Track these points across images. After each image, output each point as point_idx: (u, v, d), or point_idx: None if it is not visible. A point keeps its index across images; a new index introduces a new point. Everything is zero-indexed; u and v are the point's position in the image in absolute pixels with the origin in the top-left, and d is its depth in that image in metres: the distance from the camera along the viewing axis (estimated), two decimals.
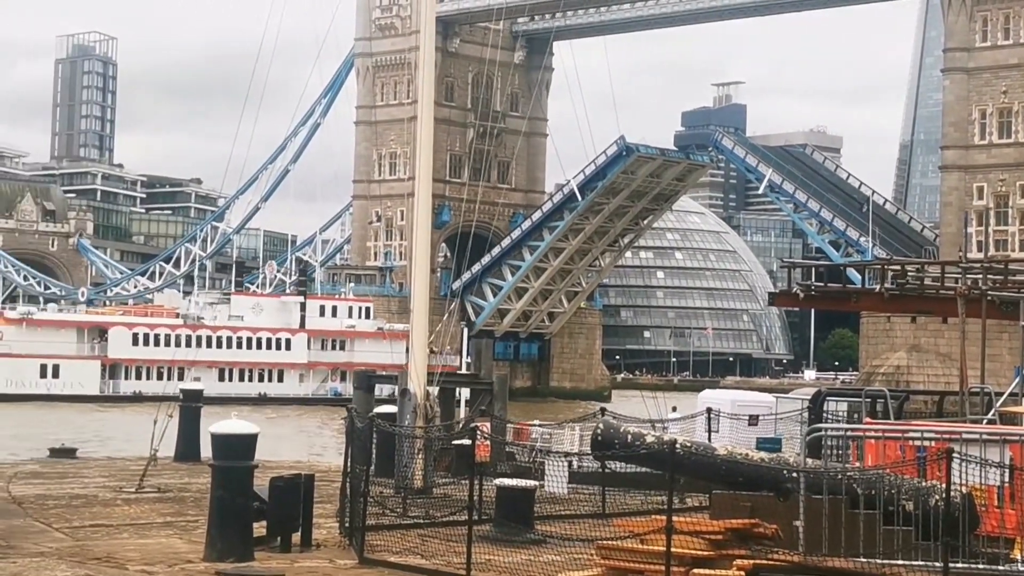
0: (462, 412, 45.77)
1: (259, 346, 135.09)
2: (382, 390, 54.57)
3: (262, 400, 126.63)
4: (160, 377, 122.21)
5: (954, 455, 22.12)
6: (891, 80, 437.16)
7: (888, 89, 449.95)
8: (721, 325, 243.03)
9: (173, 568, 22.18)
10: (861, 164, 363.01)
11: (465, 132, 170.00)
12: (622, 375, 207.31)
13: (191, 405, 40.68)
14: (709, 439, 40.06)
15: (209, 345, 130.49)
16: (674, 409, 54.01)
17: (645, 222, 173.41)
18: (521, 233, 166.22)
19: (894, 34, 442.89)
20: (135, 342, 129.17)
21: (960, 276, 39.87)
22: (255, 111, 52.08)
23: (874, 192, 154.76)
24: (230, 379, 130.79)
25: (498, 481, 25.74)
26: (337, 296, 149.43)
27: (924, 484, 23.47)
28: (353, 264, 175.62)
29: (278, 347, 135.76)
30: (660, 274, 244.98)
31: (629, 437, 24.22)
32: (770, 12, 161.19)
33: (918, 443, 25.37)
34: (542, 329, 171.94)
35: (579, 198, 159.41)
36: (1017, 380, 39.34)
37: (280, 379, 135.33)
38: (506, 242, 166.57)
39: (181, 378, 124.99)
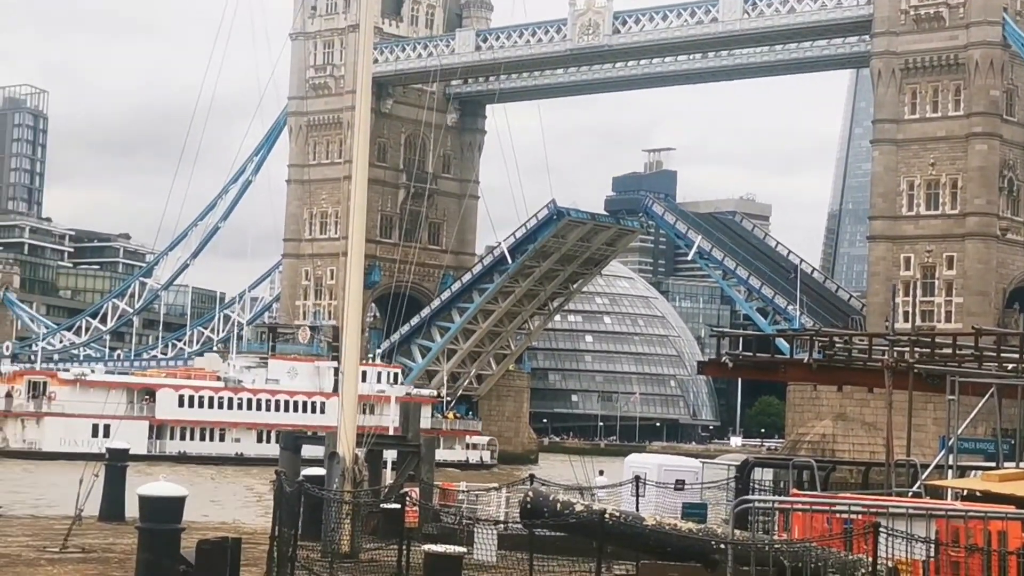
0: (389, 474, 45.60)
1: (295, 409, 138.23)
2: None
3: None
4: (203, 438, 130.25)
5: (881, 529, 22.28)
6: (820, 150, 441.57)
7: (817, 158, 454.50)
8: (648, 390, 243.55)
9: None
10: (790, 232, 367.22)
11: (397, 193, 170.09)
12: (549, 438, 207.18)
13: (116, 464, 40.31)
14: (637, 505, 40.15)
15: (249, 408, 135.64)
16: (601, 473, 54.08)
17: (575, 286, 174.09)
18: (451, 295, 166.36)
19: (824, 104, 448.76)
20: (181, 403, 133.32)
21: (887, 348, 40.24)
22: (185, 167, 51.97)
23: (802, 260, 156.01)
24: (267, 441, 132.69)
25: (426, 547, 25.65)
26: (366, 362, 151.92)
27: (851, 557, 23.64)
28: (281, 323, 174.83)
29: (313, 410, 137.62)
30: (589, 338, 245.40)
31: (559, 505, 24.25)
32: (701, 80, 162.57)
33: (845, 516, 25.54)
34: (470, 391, 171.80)
35: (509, 261, 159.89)
36: (943, 452, 39.70)
37: None
38: (436, 303, 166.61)
39: (223, 439, 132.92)
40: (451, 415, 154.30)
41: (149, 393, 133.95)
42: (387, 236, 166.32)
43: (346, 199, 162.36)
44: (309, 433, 52.36)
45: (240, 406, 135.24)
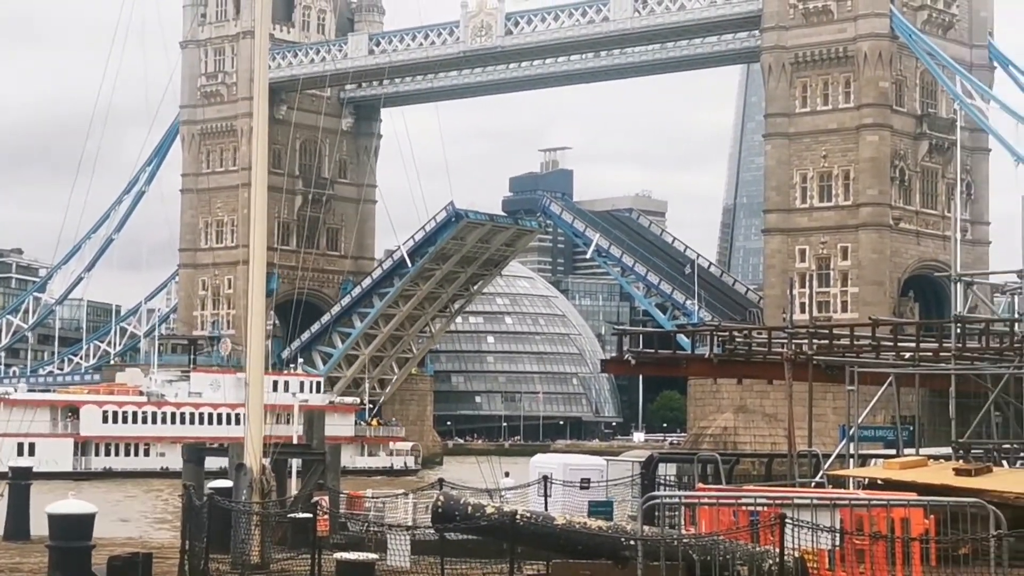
0: (294, 483, 45.50)
1: (220, 422, 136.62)
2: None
3: (223, 474, 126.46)
4: (128, 454, 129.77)
5: (786, 520, 22.63)
6: (714, 145, 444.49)
7: (711, 154, 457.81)
8: (551, 389, 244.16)
9: None
10: (686, 228, 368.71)
11: (293, 199, 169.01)
12: (454, 441, 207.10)
13: (20, 483, 39.91)
14: (545, 505, 40.38)
15: (173, 422, 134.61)
16: (507, 474, 54.23)
17: (475, 287, 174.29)
18: (351, 300, 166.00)
19: (716, 100, 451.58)
20: (105, 419, 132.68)
21: (787, 341, 40.78)
22: (77, 179, 51.54)
23: (699, 255, 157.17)
24: None
25: (338, 555, 25.69)
26: (287, 371, 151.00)
27: (758, 549, 23.96)
28: (179, 334, 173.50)
29: (237, 422, 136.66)
30: (490, 339, 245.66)
31: (469, 508, 24.39)
32: (595, 79, 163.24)
33: (751, 508, 25.90)
34: (373, 396, 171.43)
35: (409, 264, 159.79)
36: (844, 441, 40.29)
37: None
38: (336, 309, 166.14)
39: (147, 454, 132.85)
40: (375, 422, 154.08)
41: (73, 410, 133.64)
42: (285, 243, 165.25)
43: (242, 207, 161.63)
44: (216, 445, 51.89)
45: (164, 420, 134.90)
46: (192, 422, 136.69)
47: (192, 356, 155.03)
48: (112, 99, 50.42)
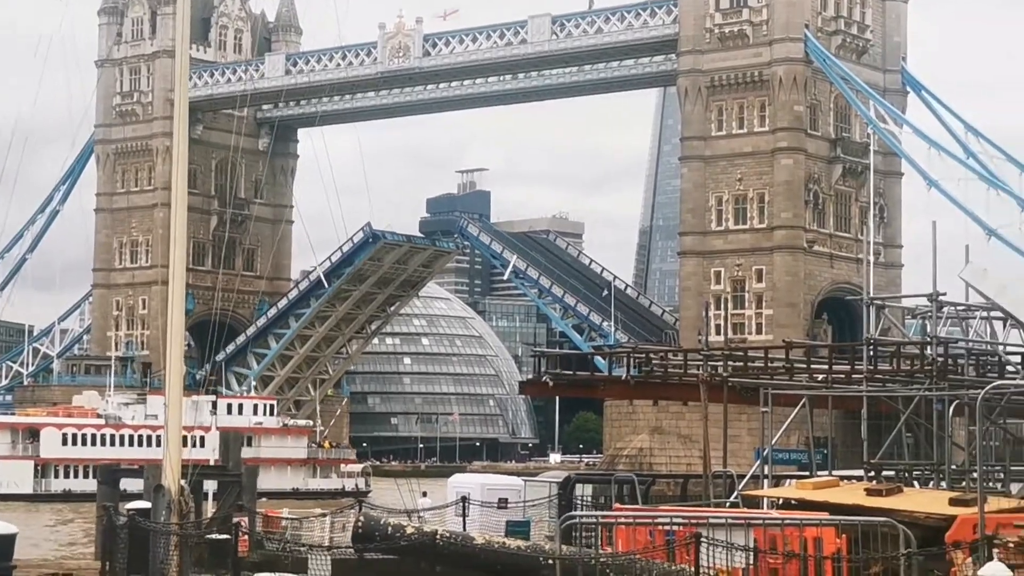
0: (210, 505, 45.35)
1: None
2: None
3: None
4: (88, 476, 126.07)
5: (702, 539, 22.96)
6: (630, 167, 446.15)
7: (627, 176, 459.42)
8: (468, 410, 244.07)
9: None
10: (603, 250, 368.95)
11: (209, 219, 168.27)
12: (371, 462, 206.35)
13: None
14: (464, 525, 40.55)
15: (131, 444, 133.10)
16: (424, 495, 54.38)
17: (392, 308, 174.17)
18: (267, 321, 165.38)
19: (633, 123, 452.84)
20: (64, 442, 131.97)
21: (702, 363, 41.21)
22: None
23: (615, 277, 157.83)
24: None
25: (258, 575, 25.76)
26: (242, 395, 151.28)
27: (674, 568, 24.28)
28: (93, 354, 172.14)
29: (194, 444, 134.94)
30: (407, 360, 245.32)
31: (390, 529, 24.53)
32: (513, 101, 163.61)
33: (667, 528, 26.21)
34: (291, 416, 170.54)
35: (326, 285, 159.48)
36: (758, 462, 40.77)
37: None
38: (251, 330, 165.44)
39: None
40: (327, 444, 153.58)
41: (33, 433, 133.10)
42: (200, 263, 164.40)
43: (157, 227, 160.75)
44: (136, 467, 51.61)
45: (123, 443, 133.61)
46: (150, 444, 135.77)
47: (148, 378, 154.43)
48: (24, 118, 50.17)
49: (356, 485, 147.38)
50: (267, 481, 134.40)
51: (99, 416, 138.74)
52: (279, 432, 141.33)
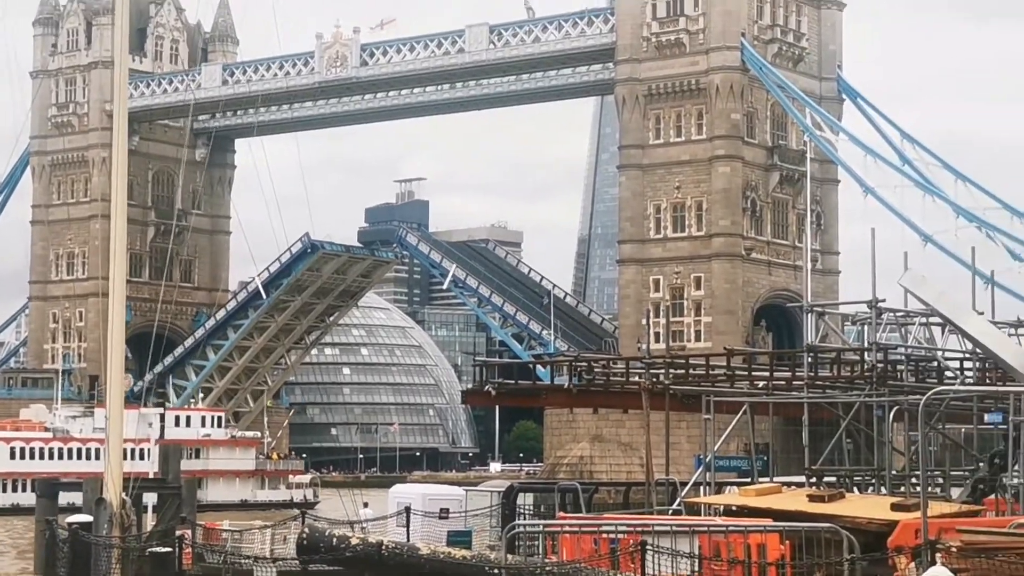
0: (150, 517, 45.12)
1: (124, 457, 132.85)
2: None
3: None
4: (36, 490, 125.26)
5: (647, 547, 23.01)
6: (568, 176, 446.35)
7: (566, 185, 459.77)
8: (407, 420, 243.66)
9: None
10: (542, 258, 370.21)
11: (145, 230, 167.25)
12: (318, 474, 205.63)
13: None
14: (408, 535, 40.49)
15: (80, 457, 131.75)
16: (366, 505, 54.31)
17: (331, 319, 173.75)
18: (205, 332, 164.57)
19: (571, 131, 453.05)
20: (12, 456, 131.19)
21: (644, 371, 41.33)
22: None
23: (554, 286, 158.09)
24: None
25: None
26: (189, 407, 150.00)
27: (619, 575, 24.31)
28: (29, 367, 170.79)
29: (142, 457, 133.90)
30: (346, 370, 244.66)
31: (335, 540, 24.45)
32: (450, 110, 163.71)
33: (612, 535, 26.26)
34: (228, 428, 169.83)
35: (264, 296, 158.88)
36: (700, 469, 40.89)
37: None
38: (190, 341, 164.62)
39: None
40: (275, 455, 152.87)
41: None
42: (137, 275, 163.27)
43: (94, 239, 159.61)
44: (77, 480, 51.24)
45: (71, 456, 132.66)
46: (97, 457, 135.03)
47: (96, 391, 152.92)
48: None
49: (304, 496, 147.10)
50: (215, 493, 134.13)
51: (46, 429, 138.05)
52: (227, 444, 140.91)
